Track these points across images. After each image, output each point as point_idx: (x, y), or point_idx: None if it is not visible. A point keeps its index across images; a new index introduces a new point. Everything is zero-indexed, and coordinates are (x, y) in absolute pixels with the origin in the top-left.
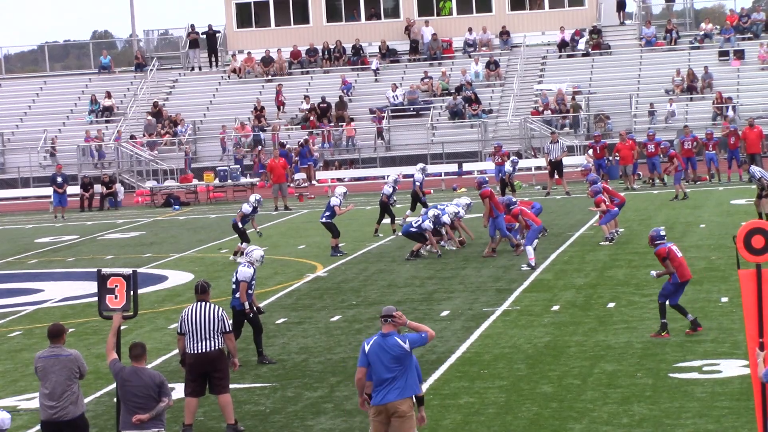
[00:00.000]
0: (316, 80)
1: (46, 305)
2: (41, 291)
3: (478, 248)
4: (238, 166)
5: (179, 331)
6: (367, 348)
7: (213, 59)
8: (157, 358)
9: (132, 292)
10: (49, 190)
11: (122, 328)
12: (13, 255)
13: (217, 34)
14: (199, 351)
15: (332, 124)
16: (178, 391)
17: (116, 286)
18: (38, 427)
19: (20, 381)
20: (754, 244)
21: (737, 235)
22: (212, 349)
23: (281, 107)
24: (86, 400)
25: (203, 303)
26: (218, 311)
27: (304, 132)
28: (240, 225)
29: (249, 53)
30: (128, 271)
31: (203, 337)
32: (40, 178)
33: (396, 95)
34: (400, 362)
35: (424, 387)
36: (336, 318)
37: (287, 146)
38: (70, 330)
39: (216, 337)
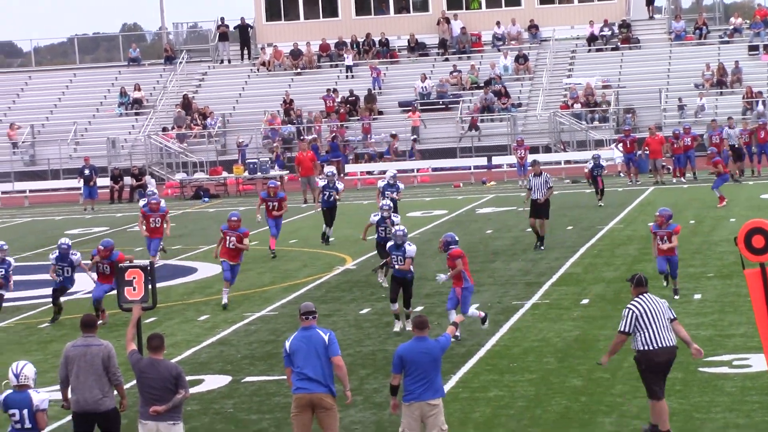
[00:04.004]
0: (345, 73)
1: (76, 296)
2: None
3: (507, 241)
4: (268, 158)
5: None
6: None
7: (245, 52)
8: (186, 350)
9: (150, 284)
10: (78, 182)
11: (152, 320)
12: (43, 246)
13: (250, 28)
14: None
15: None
16: (207, 383)
17: (134, 278)
18: (69, 418)
19: (50, 372)
20: (754, 244)
21: (738, 235)
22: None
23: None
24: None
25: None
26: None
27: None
28: None
29: (276, 47)
30: (146, 262)
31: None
32: (69, 170)
33: (425, 86)
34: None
35: (454, 380)
36: (365, 311)
37: (313, 138)
38: (99, 322)
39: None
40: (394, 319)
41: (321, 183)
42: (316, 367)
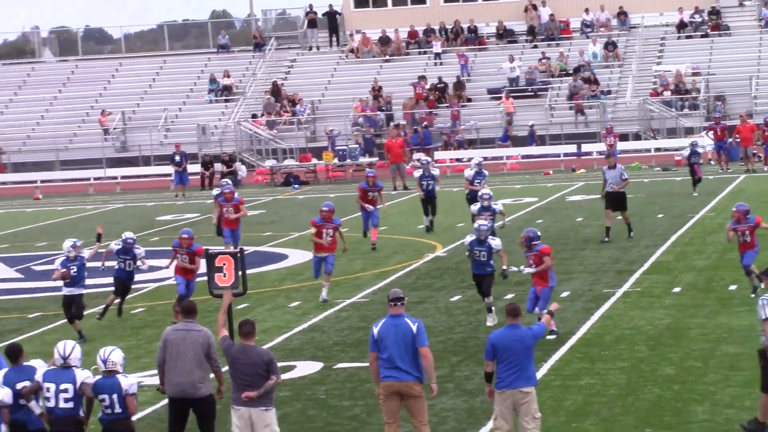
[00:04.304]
0: (433, 60)
1: (168, 282)
2: (163, 268)
3: (597, 229)
4: (357, 145)
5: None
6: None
7: (333, 39)
8: (277, 336)
9: (240, 270)
10: (169, 169)
11: (243, 306)
12: (135, 233)
13: (338, 15)
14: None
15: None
16: (299, 369)
17: (224, 264)
18: (164, 402)
19: (144, 357)
20: None
21: None
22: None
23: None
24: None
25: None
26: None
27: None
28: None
29: (365, 34)
30: (235, 249)
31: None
32: (160, 157)
33: (513, 67)
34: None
35: (546, 367)
36: (456, 298)
37: (402, 125)
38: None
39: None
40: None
41: (416, 173)
42: (404, 356)
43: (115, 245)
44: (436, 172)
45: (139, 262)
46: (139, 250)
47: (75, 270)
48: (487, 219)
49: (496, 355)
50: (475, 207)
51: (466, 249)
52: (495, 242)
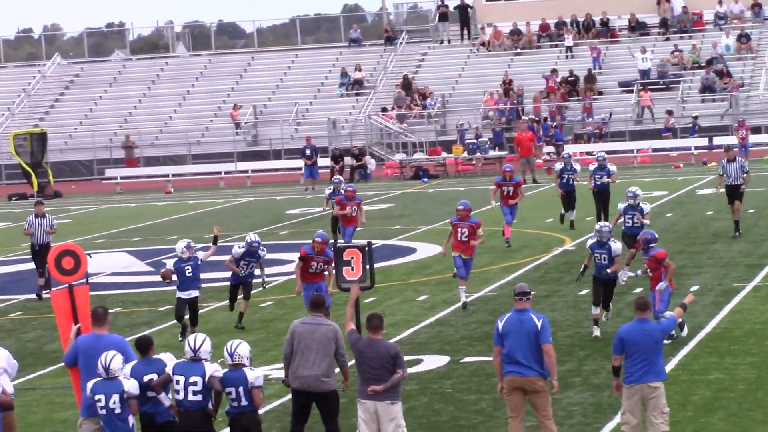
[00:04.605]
0: (564, 53)
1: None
2: (292, 262)
3: (727, 223)
4: (487, 139)
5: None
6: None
7: (465, 32)
8: (405, 330)
9: (368, 264)
10: (299, 162)
11: (371, 300)
12: (266, 226)
13: (469, 8)
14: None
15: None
16: (426, 363)
17: (352, 258)
18: (289, 396)
19: (272, 350)
20: None
21: None
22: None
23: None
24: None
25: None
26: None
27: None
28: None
29: (496, 27)
30: (364, 243)
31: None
32: (291, 150)
33: (645, 57)
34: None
35: (674, 362)
36: (584, 292)
37: (531, 119)
38: None
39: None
40: (593, 325)
41: (558, 166)
42: (527, 352)
43: (238, 248)
44: (578, 167)
45: (258, 270)
46: (263, 253)
47: (190, 271)
48: (627, 218)
49: (625, 350)
50: (621, 205)
51: (588, 251)
52: (615, 245)
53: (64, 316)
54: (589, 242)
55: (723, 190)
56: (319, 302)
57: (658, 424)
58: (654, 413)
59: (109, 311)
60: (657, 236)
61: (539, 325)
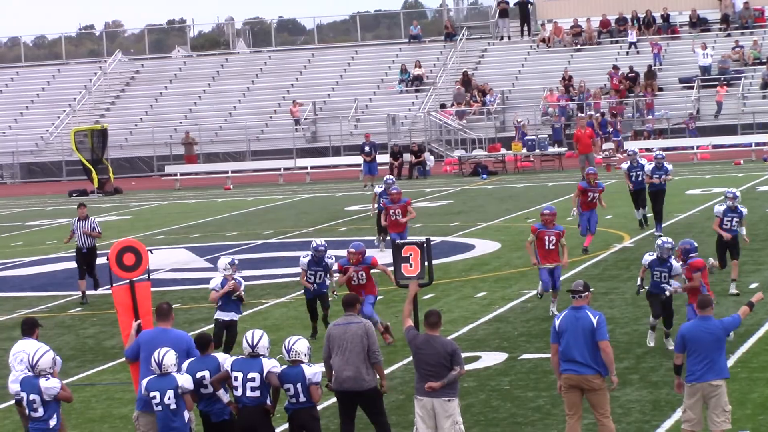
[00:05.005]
0: (625, 49)
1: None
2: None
3: None
4: (546, 136)
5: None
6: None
7: (525, 28)
8: (463, 327)
9: (426, 261)
10: (359, 159)
11: (429, 296)
12: (325, 222)
13: (530, 5)
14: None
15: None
16: (484, 359)
17: (411, 254)
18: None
19: (318, 353)
20: None
21: None
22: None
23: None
24: (393, 368)
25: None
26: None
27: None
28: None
29: (557, 23)
30: (422, 239)
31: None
32: (350, 147)
33: (706, 53)
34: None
35: (733, 359)
36: (643, 289)
37: (589, 115)
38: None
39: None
40: (649, 330)
41: (624, 165)
42: (583, 350)
43: (303, 258)
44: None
45: (328, 279)
46: (332, 260)
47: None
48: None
49: (686, 347)
50: (719, 208)
51: (643, 267)
52: (677, 265)
53: (126, 311)
54: (647, 258)
55: None
56: (351, 301)
57: (720, 422)
58: (716, 411)
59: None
60: (696, 245)
61: (595, 322)
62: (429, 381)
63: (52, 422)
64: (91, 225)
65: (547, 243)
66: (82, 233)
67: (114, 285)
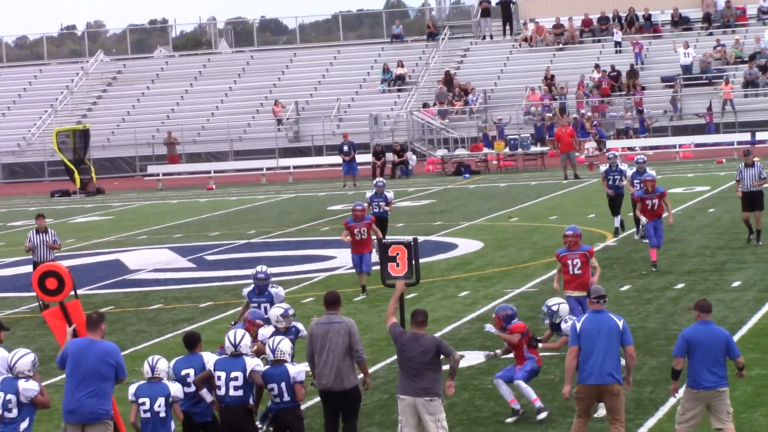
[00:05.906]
0: (607, 48)
1: (338, 272)
2: (333, 258)
3: None
4: (528, 135)
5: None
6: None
7: (507, 28)
8: (446, 326)
9: (413, 260)
10: (340, 159)
11: (413, 296)
12: (307, 222)
13: (512, 4)
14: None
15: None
16: (468, 359)
17: (397, 254)
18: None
19: (301, 353)
20: None
21: None
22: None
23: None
24: (377, 367)
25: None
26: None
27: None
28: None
29: (538, 22)
30: (409, 239)
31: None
32: (332, 147)
33: (687, 52)
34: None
35: None
36: (625, 287)
37: (574, 116)
38: (361, 297)
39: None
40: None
41: (602, 168)
42: (606, 355)
43: (245, 289)
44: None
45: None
46: (278, 290)
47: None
48: None
49: (689, 352)
50: (603, 168)
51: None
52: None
53: (61, 331)
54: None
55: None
56: (333, 300)
57: (725, 421)
58: (720, 415)
59: (103, 317)
60: (516, 310)
61: (621, 325)
62: (412, 380)
63: (23, 425)
64: (53, 237)
65: (571, 268)
66: (47, 247)
67: (44, 310)
